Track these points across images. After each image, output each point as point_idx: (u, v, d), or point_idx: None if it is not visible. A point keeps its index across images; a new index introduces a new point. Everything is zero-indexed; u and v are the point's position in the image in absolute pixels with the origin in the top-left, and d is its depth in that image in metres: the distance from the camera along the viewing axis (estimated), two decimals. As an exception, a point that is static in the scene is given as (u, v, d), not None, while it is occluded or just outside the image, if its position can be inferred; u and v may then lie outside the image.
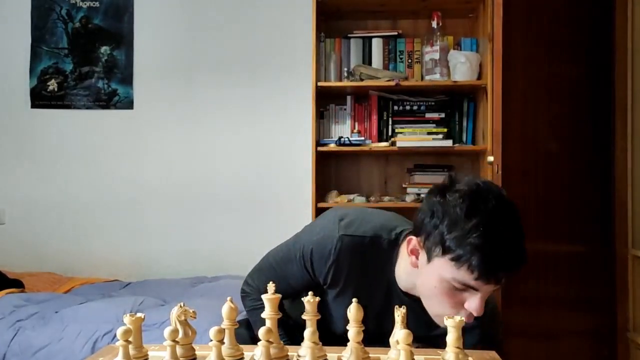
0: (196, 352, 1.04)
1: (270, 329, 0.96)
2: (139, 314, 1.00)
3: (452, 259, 1.02)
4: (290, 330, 1.25)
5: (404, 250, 1.17)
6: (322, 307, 1.17)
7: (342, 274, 1.19)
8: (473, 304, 1.04)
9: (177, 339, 0.98)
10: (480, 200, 1.03)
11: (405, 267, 1.16)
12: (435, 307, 1.09)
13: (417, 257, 1.12)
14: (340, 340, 1.06)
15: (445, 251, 1.04)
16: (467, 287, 1.04)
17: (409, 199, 2.66)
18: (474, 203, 1.03)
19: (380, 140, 2.71)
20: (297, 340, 1.04)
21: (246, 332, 1.32)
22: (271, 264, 1.30)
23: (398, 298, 1.19)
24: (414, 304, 1.15)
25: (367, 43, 2.73)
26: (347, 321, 0.98)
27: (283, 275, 1.26)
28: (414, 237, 1.12)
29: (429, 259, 1.08)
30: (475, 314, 1.05)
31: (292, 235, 1.32)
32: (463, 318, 0.92)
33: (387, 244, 1.19)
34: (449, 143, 2.57)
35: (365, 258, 1.19)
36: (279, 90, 3.00)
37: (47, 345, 1.91)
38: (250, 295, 1.34)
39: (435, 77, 2.60)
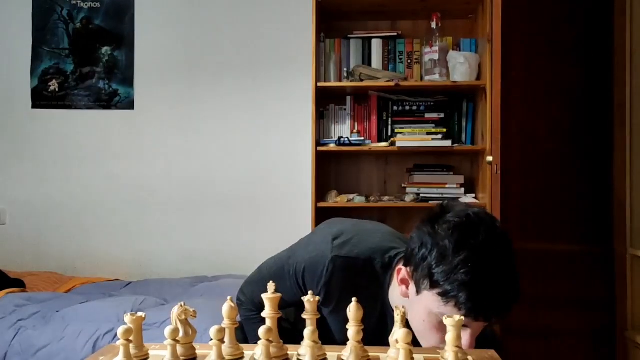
0: (197, 351, 1.04)
1: (270, 328, 0.97)
2: (139, 313, 1.00)
3: (440, 294, 0.99)
4: (285, 332, 1.25)
5: (394, 285, 1.14)
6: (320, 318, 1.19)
7: (334, 295, 1.18)
8: (463, 340, 0.98)
9: (177, 338, 0.98)
10: (470, 233, 0.99)
11: (396, 292, 1.14)
12: (427, 340, 1.06)
13: (407, 287, 1.09)
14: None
15: (432, 285, 1.00)
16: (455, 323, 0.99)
17: (408, 198, 2.66)
18: (463, 236, 0.99)
19: (379, 140, 2.71)
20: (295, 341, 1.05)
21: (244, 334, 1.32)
22: (264, 276, 1.28)
23: (392, 322, 1.14)
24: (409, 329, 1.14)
25: (366, 43, 2.74)
26: (344, 334, 0.97)
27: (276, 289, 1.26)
28: (403, 268, 1.09)
29: (418, 291, 1.05)
30: (464, 349, 0.99)
31: (288, 245, 1.31)
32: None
33: (380, 268, 1.16)
34: (448, 143, 2.58)
35: (358, 280, 1.16)
36: (279, 91, 3.00)
37: (48, 344, 1.92)
38: (245, 305, 1.34)
39: (435, 78, 2.61)
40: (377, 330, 1.15)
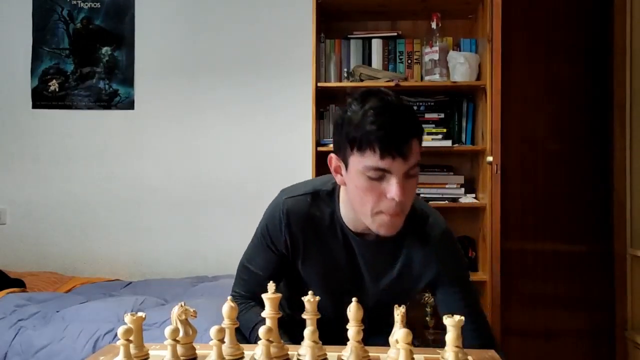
0: (197, 351, 1.04)
1: (271, 328, 0.97)
2: (139, 313, 1.00)
3: (358, 149, 1.09)
4: (285, 324, 1.26)
5: (342, 193, 1.23)
6: (299, 283, 1.27)
7: (298, 237, 1.25)
8: (391, 189, 1.08)
9: (177, 338, 0.99)
10: (370, 92, 1.12)
11: (344, 205, 1.22)
12: (364, 207, 1.13)
13: (340, 173, 1.17)
14: (338, 337, 1.07)
15: (351, 146, 1.10)
16: (381, 173, 1.08)
17: (408, 199, 2.66)
18: (366, 96, 1.12)
19: (380, 140, 2.71)
20: (296, 337, 1.05)
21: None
22: (243, 263, 1.37)
23: (355, 243, 1.24)
24: (370, 244, 1.23)
25: (367, 44, 2.74)
26: (322, 287, 1.09)
27: (255, 268, 1.32)
28: (332, 155, 1.18)
29: (346, 166, 1.13)
30: (396, 198, 1.08)
31: None
32: (386, 215, 1.09)
33: (326, 195, 1.26)
34: (448, 143, 2.58)
35: (313, 213, 1.25)
36: (279, 91, 3.00)
37: (48, 344, 1.92)
38: (237, 300, 1.36)
39: (435, 78, 2.61)
40: (347, 261, 1.25)
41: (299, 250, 1.27)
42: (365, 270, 1.27)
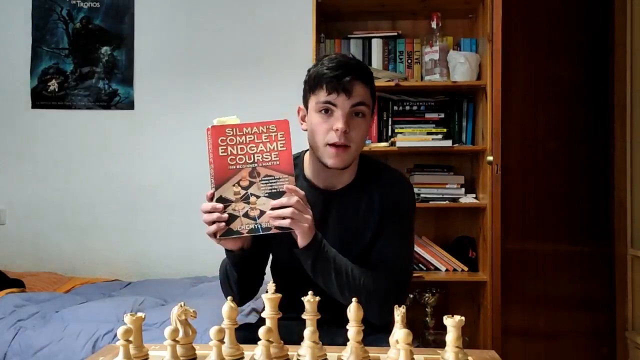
0: (196, 352, 1.04)
1: (270, 328, 0.97)
2: (139, 314, 1.00)
3: (312, 89, 1.32)
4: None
5: (307, 154, 1.43)
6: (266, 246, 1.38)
7: None
8: (336, 121, 1.29)
9: (177, 339, 0.98)
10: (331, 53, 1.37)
11: (308, 163, 1.41)
12: (317, 141, 1.32)
13: (304, 120, 1.38)
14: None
15: (309, 88, 1.34)
16: (328, 106, 1.29)
17: (408, 199, 2.66)
18: (326, 54, 1.39)
19: (380, 140, 2.71)
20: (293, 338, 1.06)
21: (245, 334, 1.33)
22: None
23: (315, 194, 1.37)
24: (333, 195, 1.38)
25: (366, 44, 2.73)
26: (285, 240, 1.23)
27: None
28: (299, 105, 1.40)
29: (307, 109, 1.36)
30: (339, 127, 1.27)
31: None
32: (333, 147, 1.28)
33: (293, 158, 1.39)
34: (448, 143, 2.58)
35: None
36: (279, 91, 3.00)
37: (47, 345, 1.91)
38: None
39: (435, 78, 2.61)
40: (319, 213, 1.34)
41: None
42: (328, 216, 1.38)
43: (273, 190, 1.21)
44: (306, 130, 1.37)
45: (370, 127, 1.43)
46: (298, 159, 1.44)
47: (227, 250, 1.30)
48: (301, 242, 1.23)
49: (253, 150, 1.21)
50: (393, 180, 1.41)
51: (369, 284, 1.27)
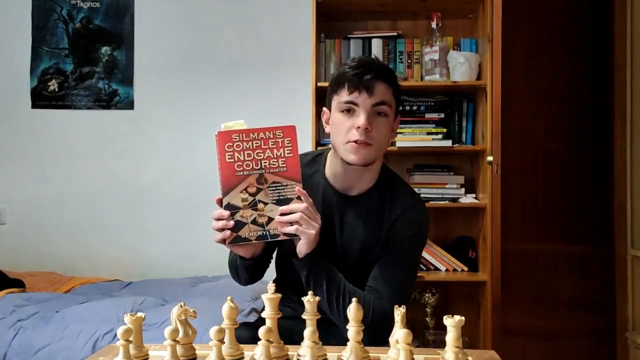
0: (196, 352, 1.04)
1: (270, 328, 0.97)
2: (139, 314, 1.00)
3: (335, 90, 1.33)
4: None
5: (329, 155, 1.42)
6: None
7: None
8: (358, 119, 1.29)
9: (177, 339, 0.98)
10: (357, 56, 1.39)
11: (330, 164, 1.40)
12: (339, 139, 1.32)
13: (328, 123, 1.38)
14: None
15: (332, 89, 1.34)
16: (350, 106, 1.30)
17: (408, 199, 2.66)
18: (352, 58, 1.39)
19: (380, 140, 2.71)
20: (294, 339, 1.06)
21: (245, 333, 1.33)
22: None
23: (332, 197, 1.38)
24: (349, 199, 1.38)
25: (367, 43, 2.73)
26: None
27: None
28: (324, 108, 1.40)
29: (330, 111, 1.37)
30: (360, 125, 1.28)
31: None
32: (353, 144, 1.28)
33: (315, 156, 1.45)
34: (448, 143, 2.58)
35: (302, 172, 1.36)
36: (279, 91, 3.00)
37: (47, 344, 1.91)
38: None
39: (435, 78, 2.61)
40: (322, 212, 1.32)
41: None
42: (338, 220, 1.38)
43: (281, 197, 1.21)
44: (329, 132, 1.38)
45: (394, 130, 1.41)
46: (320, 156, 1.45)
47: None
48: (304, 249, 1.22)
49: (260, 156, 1.20)
50: (409, 206, 1.37)
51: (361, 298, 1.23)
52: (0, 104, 3.10)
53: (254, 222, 1.21)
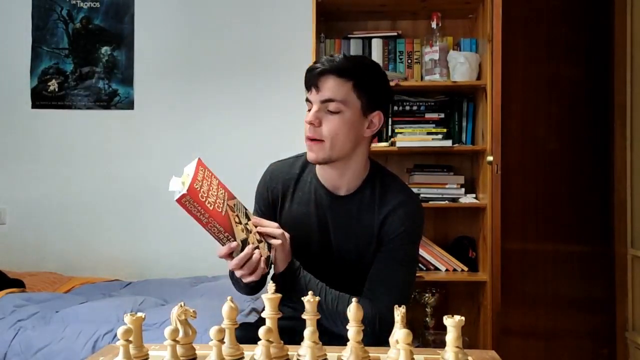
0: (196, 352, 1.04)
1: (270, 328, 0.97)
2: (139, 314, 1.00)
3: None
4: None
5: None
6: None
7: (277, 190, 1.41)
8: (309, 115, 1.31)
9: (177, 339, 0.98)
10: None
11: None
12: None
13: None
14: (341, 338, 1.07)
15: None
16: (308, 104, 1.34)
17: (408, 199, 2.65)
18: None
19: (379, 140, 2.71)
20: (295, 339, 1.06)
21: (245, 333, 1.33)
22: None
23: (322, 196, 1.38)
24: (338, 198, 1.37)
25: (366, 43, 2.73)
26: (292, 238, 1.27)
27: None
28: None
29: None
30: (306, 120, 1.32)
31: None
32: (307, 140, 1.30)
33: (304, 156, 1.42)
34: (448, 143, 2.58)
35: (290, 171, 1.43)
36: (279, 91, 3.00)
37: (47, 344, 1.91)
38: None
39: (435, 78, 2.61)
40: (315, 210, 1.37)
41: (278, 203, 1.41)
42: (330, 220, 1.37)
43: (248, 211, 1.31)
44: None
45: (369, 127, 1.34)
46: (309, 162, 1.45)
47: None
48: (281, 266, 1.27)
49: (214, 189, 1.21)
50: (401, 201, 1.33)
51: (342, 309, 1.19)
52: (0, 104, 3.10)
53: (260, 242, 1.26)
